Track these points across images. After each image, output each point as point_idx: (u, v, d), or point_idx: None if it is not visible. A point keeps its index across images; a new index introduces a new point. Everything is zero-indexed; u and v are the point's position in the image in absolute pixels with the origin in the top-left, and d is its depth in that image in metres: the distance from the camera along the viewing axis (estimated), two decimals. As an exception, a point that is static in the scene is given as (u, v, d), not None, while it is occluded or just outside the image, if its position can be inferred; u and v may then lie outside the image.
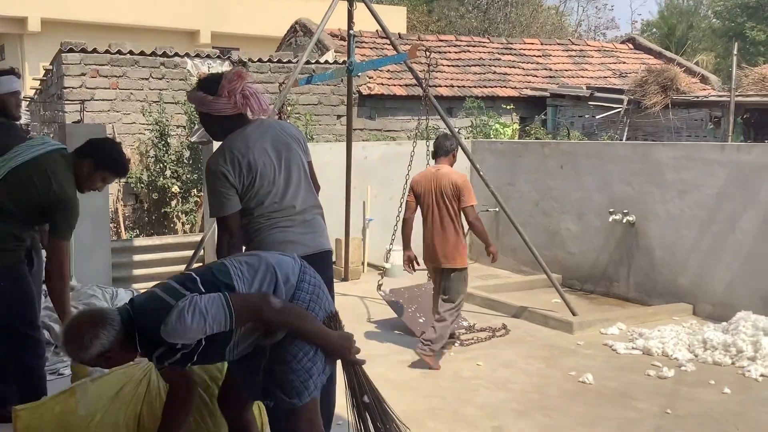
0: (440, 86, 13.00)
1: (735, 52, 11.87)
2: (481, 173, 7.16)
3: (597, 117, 12.85)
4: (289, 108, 10.75)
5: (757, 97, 11.62)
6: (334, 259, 8.69)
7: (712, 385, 5.16)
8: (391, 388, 5.12)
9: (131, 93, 10.50)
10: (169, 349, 2.81)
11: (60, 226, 3.90)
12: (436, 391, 5.09)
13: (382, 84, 12.62)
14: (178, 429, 3.24)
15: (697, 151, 7.25)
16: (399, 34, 15.68)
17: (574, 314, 6.78)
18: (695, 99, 12.19)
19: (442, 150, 5.83)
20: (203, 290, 2.82)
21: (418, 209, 5.91)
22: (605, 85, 14.04)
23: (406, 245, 5.91)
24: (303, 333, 2.89)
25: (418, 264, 5.88)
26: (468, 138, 11.45)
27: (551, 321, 6.69)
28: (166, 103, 10.39)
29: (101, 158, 4.03)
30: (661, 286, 7.42)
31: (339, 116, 11.89)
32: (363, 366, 3.09)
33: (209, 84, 3.50)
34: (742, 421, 4.52)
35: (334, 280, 8.60)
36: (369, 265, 8.87)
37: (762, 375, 5.29)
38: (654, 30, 32.13)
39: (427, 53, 6.86)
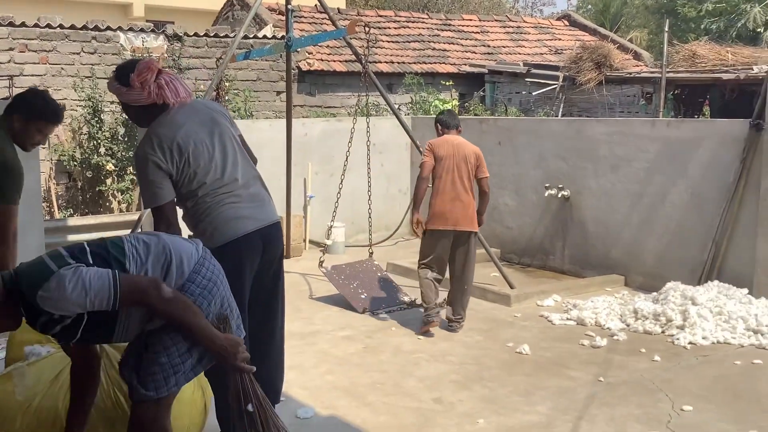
0: (380, 62, 12.99)
1: (666, 29, 12.17)
2: (421, 149, 7.22)
3: (534, 93, 13.05)
4: (227, 84, 10.60)
5: (686, 74, 11.98)
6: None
7: (642, 354, 5.37)
8: (333, 363, 5.19)
9: (62, 68, 10.19)
10: (49, 319, 2.68)
11: (4, 189, 3.76)
12: (378, 365, 5.16)
13: (322, 60, 12.54)
14: (84, 407, 3.16)
15: (629, 127, 7.44)
16: (338, 9, 15.56)
17: (511, 287, 6.93)
18: (628, 75, 12.50)
19: (453, 123, 6.11)
20: (91, 262, 2.70)
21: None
22: (541, 62, 14.25)
23: (417, 206, 5.95)
24: (187, 328, 2.75)
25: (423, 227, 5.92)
26: (408, 114, 11.51)
27: (490, 294, 6.83)
28: (98, 78, 10.11)
29: (27, 109, 3.93)
30: (594, 258, 7.63)
31: (278, 92, 11.78)
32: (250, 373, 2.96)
33: (122, 74, 3.41)
34: (670, 387, 4.72)
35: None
36: (310, 242, 8.88)
37: (690, 343, 5.52)
38: (589, 6, 32.60)
39: (366, 29, 6.86)
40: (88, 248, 2.77)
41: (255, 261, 3.60)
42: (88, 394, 3.18)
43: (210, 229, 3.49)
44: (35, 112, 3.95)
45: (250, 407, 2.92)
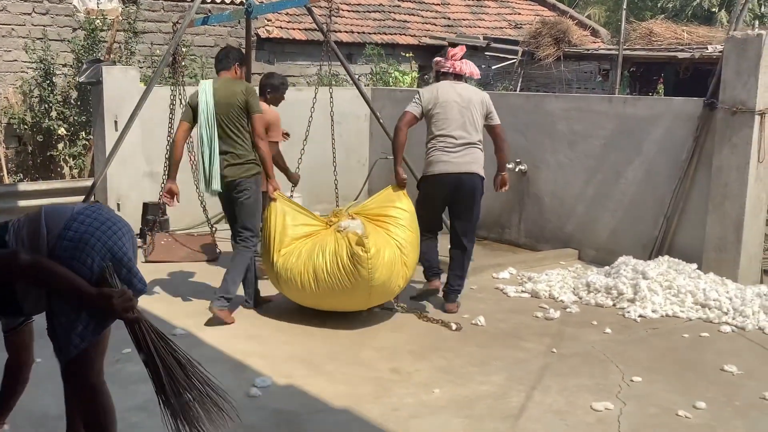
0: (340, 32, 12.87)
1: (624, 7, 12.28)
2: (381, 121, 7.22)
3: (493, 67, 13.08)
4: (184, 50, 10.39)
5: (643, 52, 12.12)
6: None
7: (594, 326, 5.49)
8: (291, 333, 5.20)
9: (12, 29, 9.87)
10: None
11: (255, 105, 5.35)
12: (335, 335, 5.18)
13: (281, 27, 12.37)
14: (13, 399, 3.27)
15: (586, 103, 7.54)
16: (298, -25, 15.36)
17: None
18: (586, 52, 12.60)
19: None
20: None
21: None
22: (501, 36, 14.27)
23: None
24: (56, 291, 2.83)
25: None
26: (368, 85, 11.45)
27: (445, 266, 6.86)
28: (51, 40, 9.84)
29: (238, 57, 5.60)
30: (549, 232, 7.75)
31: (236, 59, 11.59)
32: (148, 322, 2.92)
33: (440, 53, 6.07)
34: (621, 359, 4.84)
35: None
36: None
37: (640, 316, 5.66)
38: (549, -18, 32.71)
39: (330, 2, 6.79)
40: None
41: (445, 194, 5.61)
42: (17, 390, 3.24)
43: (426, 161, 5.59)
44: (241, 57, 5.69)
45: (141, 356, 2.91)
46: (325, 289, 5.15)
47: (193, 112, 5.41)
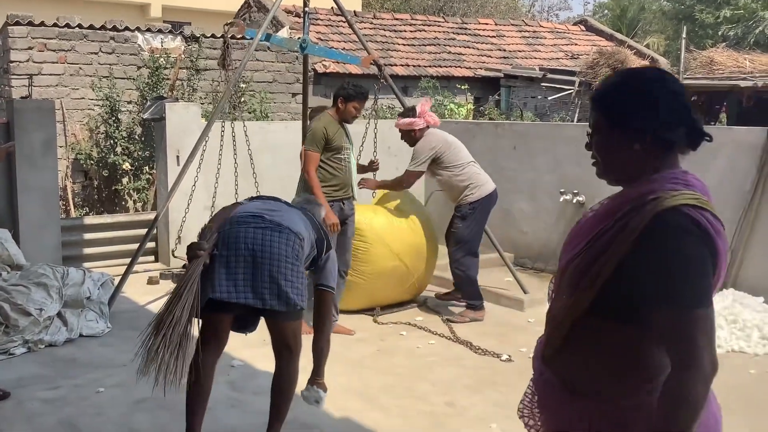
0: (395, 65, 13.02)
1: (684, 36, 12.13)
2: (436, 153, 7.23)
3: (549, 98, 13.03)
4: (243, 86, 10.64)
5: (704, 81, 11.91)
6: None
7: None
8: (347, 365, 5.20)
9: (80, 68, 10.26)
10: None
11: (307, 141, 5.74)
12: (391, 368, 5.17)
13: (338, 62, 12.57)
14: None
15: (645, 133, 7.40)
16: (354, 11, 15.62)
17: (525, 292, 6.92)
18: (645, 81, 12.42)
19: None
20: None
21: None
22: (558, 67, 14.22)
23: None
24: None
25: None
26: (423, 117, 11.50)
27: (503, 299, 6.82)
28: (116, 78, 10.19)
29: (342, 93, 5.75)
30: (609, 264, 7.59)
31: (294, 94, 11.82)
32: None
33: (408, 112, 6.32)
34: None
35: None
36: (324, 243, 8.88)
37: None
38: (606, 11, 32.54)
39: (380, 70, 7.14)
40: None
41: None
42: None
43: (473, 185, 6.17)
44: (348, 94, 5.74)
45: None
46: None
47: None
